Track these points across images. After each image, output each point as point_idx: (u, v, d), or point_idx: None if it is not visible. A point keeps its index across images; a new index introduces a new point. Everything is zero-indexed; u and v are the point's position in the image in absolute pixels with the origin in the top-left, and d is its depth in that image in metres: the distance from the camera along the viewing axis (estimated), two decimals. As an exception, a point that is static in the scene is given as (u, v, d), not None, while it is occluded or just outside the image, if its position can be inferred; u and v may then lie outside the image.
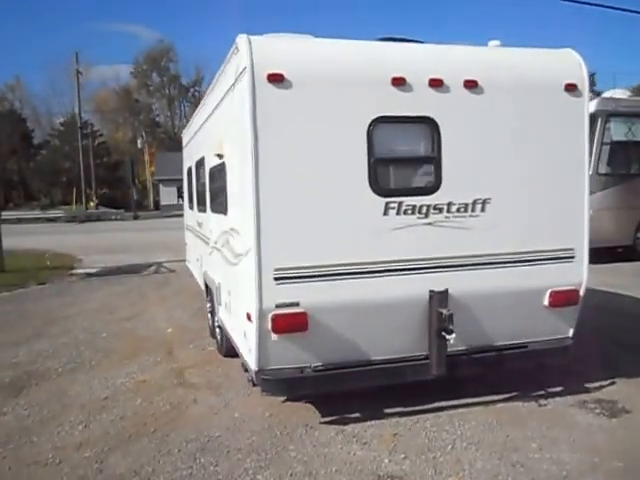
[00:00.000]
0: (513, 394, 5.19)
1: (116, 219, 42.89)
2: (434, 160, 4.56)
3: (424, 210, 4.55)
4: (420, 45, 4.85)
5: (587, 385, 5.40)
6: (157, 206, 53.69)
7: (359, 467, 4.04)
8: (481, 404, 5.05)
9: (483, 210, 4.69)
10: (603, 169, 12.75)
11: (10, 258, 14.55)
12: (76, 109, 49.94)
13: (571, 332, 5.17)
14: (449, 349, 4.67)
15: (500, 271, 4.78)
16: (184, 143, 10.72)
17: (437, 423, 4.73)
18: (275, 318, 4.27)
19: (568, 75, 4.86)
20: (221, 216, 5.77)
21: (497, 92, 4.69)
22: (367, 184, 4.41)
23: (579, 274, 4.99)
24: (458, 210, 4.63)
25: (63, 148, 59.01)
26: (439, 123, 4.53)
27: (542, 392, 5.26)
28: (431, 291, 4.57)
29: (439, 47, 4.88)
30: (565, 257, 4.94)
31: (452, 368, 4.72)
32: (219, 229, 6.01)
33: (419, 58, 4.65)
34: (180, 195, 54.38)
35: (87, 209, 46.69)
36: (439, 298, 4.57)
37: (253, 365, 4.45)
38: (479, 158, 4.69)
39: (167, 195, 52.17)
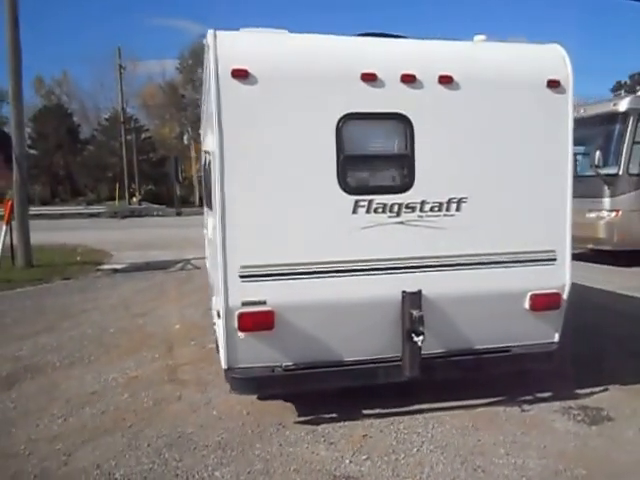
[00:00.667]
0: (497, 399, 5.06)
1: (158, 215, 43.37)
2: (406, 158, 4.47)
3: (395, 209, 4.46)
4: (393, 40, 4.76)
5: (577, 391, 5.23)
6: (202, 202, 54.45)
7: (318, 467, 4.01)
8: (462, 407, 4.94)
9: (458, 209, 4.58)
10: (635, 169, 12.29)
11: (40, 253, 15.02)
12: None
13: (557, 337, 4.99)
14: (424, 351, 4.58)
15: (477, 272, 4.65)
16: (201, 140, 10.84)
17: (411, 425, 4.65)
18: (241, 316, 4.27)
19: (551, 71, 4.69)
20: (211, 213, 5.81)
21: (474, 88, 4.56)
22: (336, 182, 4.36)
23: (561, 277, 4.81)
24: (432, 209, 4.53)
25: (108, 143, 60.06)
26: (412, 120, 4.44)
27: (529, 397, 5.12)
28: (404, 292, 4.48)
29: (413, 42, 4.77)
30: (546, 259, 4.78)
31: (427, 371, 4.62)
32: (211, 226, 6.06)
33: (391, 53, 4.56)
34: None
35: (130, 205, 47.66)
36: (411, 299, 4.49)
37: (223, 363, 4.47)
38: (454, 156, 4.58)
39: None
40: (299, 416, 4.85)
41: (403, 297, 4.49)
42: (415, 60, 4.52)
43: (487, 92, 4.59)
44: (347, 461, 4.09)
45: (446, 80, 4.47)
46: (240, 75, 4.14)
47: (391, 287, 4.47)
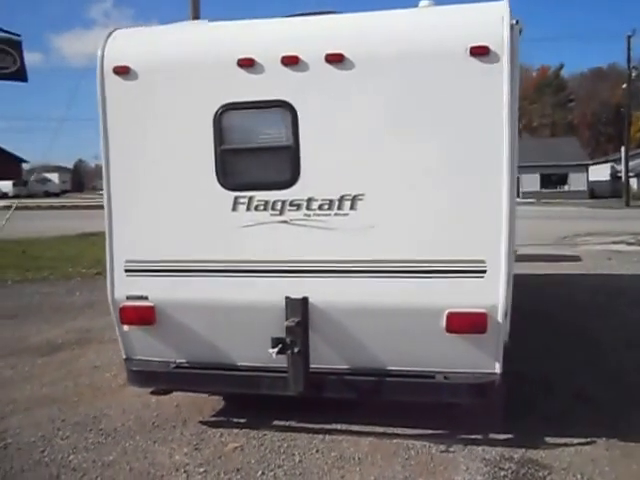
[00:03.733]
0: (422, 431, 4.36)
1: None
2: (290, 150, 4.01)
3: (278, 206, 4.05)
4: (275, 20, 4.25)
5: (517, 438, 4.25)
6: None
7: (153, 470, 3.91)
8: (378, 434, 4.33)
9: (353, 208, 3.97)
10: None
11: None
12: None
13: (497, 367, 4.03)
14: (315, 365, 4.12)
15: (378, 282, 3.99)
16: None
17: (298, 445, 4.24)
18: (123, 309, 4.31)
19: (476, 36, 3.75)
20: None
21: (372, 66, 3.89)
22: (214, 177, 4.11)
23: (490, 294, 3.86)
24: (321, 207, 4.01)
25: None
26: (295, 107, 3.96)
27: (460, 436, 4.29)
28: (287, 298, 4.06)
29: (296, 20, 4.23)
30: (470, 271, 3.88)
31: (316, 387, 4.14)
32: None
33: (270, 35, 4.11)
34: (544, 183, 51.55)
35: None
36: (294, 307, 4.04)
37: (122, 353, 4.56)
38: (348, 146, 3.97)
39: (529, 182, 49.90)
40: (215, 415, 4.77)
41: (286, 303, 4.07)
42: (298, 40, 4.01)
43: (388, 69, 3.87)
44: (183, 470, 3.90)
45: (335, 59, 3.88)
46: (122, 72, 4.15)
47: (273, 292, 4.07)
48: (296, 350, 4.02)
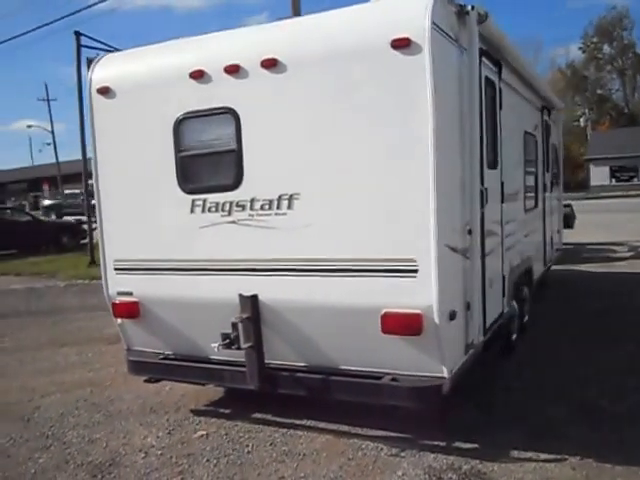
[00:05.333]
0: (389, 433, 4.29)
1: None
2: (235, 153, 4.19)
3: (227, 207, 4.26)
4: (223, 32, 4.39)
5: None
6: (584, 185, 50.05)
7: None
8: (343, 434, 4.34)
9: (290, 207, 4.04)
10: None
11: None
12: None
13: (445, 371, 3.83)
14: (271, 361, 4.27)
15: (317, 280, 4.02)
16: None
17: (254, 437, 4.40)
18: (114, 304, 4.82)
19: (397, 27, 3.62)
20: None
21: (303, 68, 3.93)
22: (176, 182, 4.43)
23: (424, 294, 3.69)
24: (262, 207, 4.14)
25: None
26: (239, 113, 4.14)
27: (432, 442, 4.14)
28: (240, 295, 4.25)
29: (240, 30, 4.33)
30: (402, 270, 3.74)
31: (271, 383, 4.27)
32: None
33: (216, 46, 4.30)
34: (614, 175, 49.47)
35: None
36: (244, 303, 4.22)
37: (124, 344, 5.07)
38: (285, 147, 4.05)
39: (598, 175, 48.50)
40: (208, 405, 5.10)
41: (239, 301, 4.26)
42: (239, 48, 4.16)
43: (318, 70, 3.87)
44: (145, 452, 4.26)
45: (269, 63, 3.98)
46: (104, 91, 4.65)
47: (228, 289, 4.27)
48: (246, 345, 4.19)
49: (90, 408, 5.22)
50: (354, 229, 3.89)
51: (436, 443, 4.13)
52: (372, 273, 3.85)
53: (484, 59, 4.63)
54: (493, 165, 5.11)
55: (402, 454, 4.01)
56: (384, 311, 3.81)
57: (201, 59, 4.28)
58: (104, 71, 4.73)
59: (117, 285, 4.81)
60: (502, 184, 5.33)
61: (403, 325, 3.77)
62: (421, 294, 3.71)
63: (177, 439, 4.46)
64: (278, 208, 4.09)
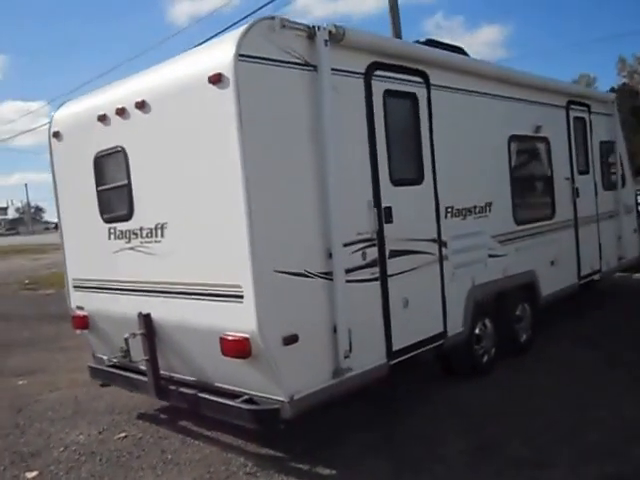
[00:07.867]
0: (277, 453, 4.47)
1: None
2: (127, 187, 4.68)
3: (128, 235, 4.77)
4: (128, 78, 4.82)
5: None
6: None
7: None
8: (231, 448, 4.60)
9: (162, 235, 4.46)
10: None
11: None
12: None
13: (282, 395, 3.91)
14: (165, 372, 4.70)
15: (178, 302, 4.40)
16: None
17: (157, 444, 4.83)
18: (73, 317, 5.59)
19: (213, 64, 3.83)
20: None
21: (161, 107, 4.32)
22: (98, 212, 5.06)
23: (248, 319, 3.82)
24: (147, 235, 4.59)
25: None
26: (127, 150, 4.64)
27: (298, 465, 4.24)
28: (138, 313, 4.73)
29: (132, 76, 4.75)
30: (231, 296, 3.93)
31: (165, 394, 4.70)
32: None
33: (115, 90, 4.81)
34: None
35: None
36: (140, 321, 4.69)
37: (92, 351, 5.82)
38: (158, 180, 4.46)
39: None
40: (155, 409, 5.61)
41: (138, 318, 4.74)
42: (125, 93, 4.62)
43: (168, 108, 4.25)
44: (66, 447, 4.92)
45: (140, 105, 4.41)
46: (56, 135, 5.44)
47: (132, 307, 4.77)
48: (138, 359, 4.67)
49: (79, 405, 5.98)
50: (199, 255, 4.19)
51: (300, 466, 4.19)
52: (213, 297, 4.10)
53: (379, 72, 4.60)
54: (416, 181, 4.97)
55: (258, 474, 4.15)
56: (222, 334, 4.01)
57: (105, 103, 4.84)
58: (58, 116, 5.51)
59: (75, 300, 5.58)
60: (436, 199, 5.13)
61: (234, 349, 3.94)
62: (247, 319, 3.85)
63: (101, 438, 5.06)
64: (155, 236, 4.51)
